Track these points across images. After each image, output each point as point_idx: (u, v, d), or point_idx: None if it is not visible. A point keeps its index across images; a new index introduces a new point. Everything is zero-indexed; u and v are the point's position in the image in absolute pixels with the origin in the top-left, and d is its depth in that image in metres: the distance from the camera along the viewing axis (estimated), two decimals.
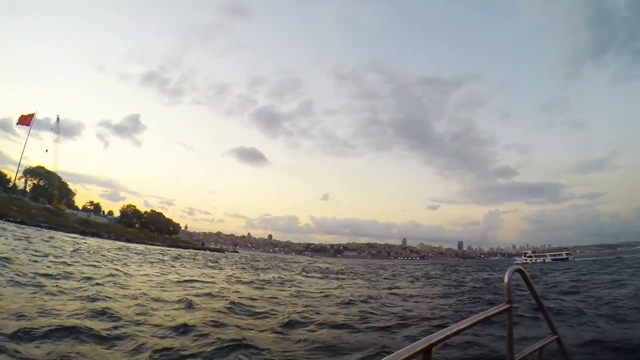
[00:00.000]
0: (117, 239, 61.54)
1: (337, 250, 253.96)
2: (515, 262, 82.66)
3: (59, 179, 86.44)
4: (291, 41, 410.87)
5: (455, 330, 1.01)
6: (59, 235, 39.02)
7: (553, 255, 79.50)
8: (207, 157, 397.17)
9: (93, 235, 55.95)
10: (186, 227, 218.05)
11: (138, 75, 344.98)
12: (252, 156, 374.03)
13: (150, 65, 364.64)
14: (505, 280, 1.40)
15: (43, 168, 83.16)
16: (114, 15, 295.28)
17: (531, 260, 77.78)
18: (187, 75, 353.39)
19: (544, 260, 75.74)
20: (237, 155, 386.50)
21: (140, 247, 48.45)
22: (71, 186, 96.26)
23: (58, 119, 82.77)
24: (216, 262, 34.15)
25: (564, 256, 75.60)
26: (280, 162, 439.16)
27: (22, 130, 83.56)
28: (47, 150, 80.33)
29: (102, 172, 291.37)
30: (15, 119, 79.85)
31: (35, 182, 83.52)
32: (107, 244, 40.45)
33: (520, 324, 6.44)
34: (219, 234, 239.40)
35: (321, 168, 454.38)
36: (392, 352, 0.82)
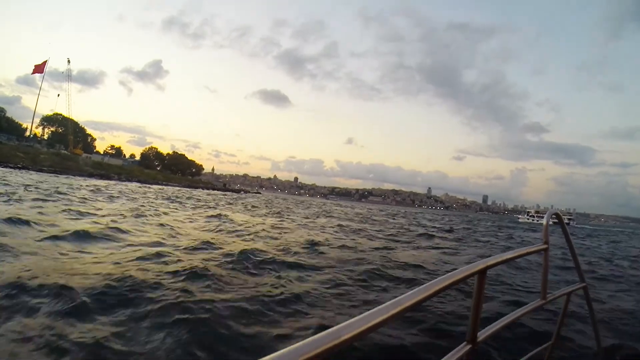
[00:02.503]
0: (129, 180, 61.69)
1: (361, 195, 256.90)
2: (518, 219, 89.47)
3: (75, 123, 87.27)
4: None
5: (505, 257, 1.11)
6: (52, 178, 38.47)
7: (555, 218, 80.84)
8: (231, 100, 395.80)
9: (101, 177, 56.28)
10: (213, 169, 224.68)
11: (158, 22, 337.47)
12: (276, 98, 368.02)
13: (170, 10, 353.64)
14: (544, 222, 1.49)
15: (60, 115, 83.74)
16: None
17: (533, 220, 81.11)
18: (208, 19, 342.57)
19: None
20: (261, 97, 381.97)
21: (152, 187, 48.18)
22: (98, 134, 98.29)
23: (69, 61, 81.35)
24: (230, 204, 32.02)
25: (566, 221, 74.29)
26: (305, 105, 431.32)
27: (45, 84, 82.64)
28: (59, 95, 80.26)
29: (128, 118, 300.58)
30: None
31: (54, 129, 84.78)
32: (103, 184, 39.81)
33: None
34: (245, 176, 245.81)
35: (346, 112, 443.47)
36: (452, 271, 0.85)
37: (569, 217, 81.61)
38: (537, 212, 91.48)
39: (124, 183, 52.53)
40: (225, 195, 64.26)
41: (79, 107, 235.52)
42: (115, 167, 72.65)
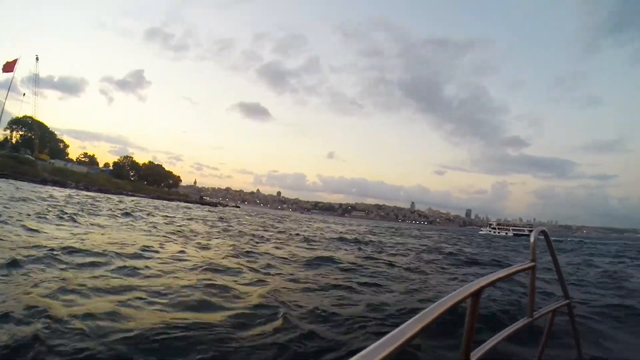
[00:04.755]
0: (87, 189, 60.02)
1: (345, 210, 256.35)
2: (480, 232, 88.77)
3: (45, 128, 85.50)
4: None
5: (496, 277, 1.12)
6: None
7: (516, 230, 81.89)
8: (213, 112, 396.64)
9: (55, 183, 54.62)
10: (195, 182, 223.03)
11: (140, 31, 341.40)
12: (255, 111, 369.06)
13: (152, 21, 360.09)
14: (532, 240, 1.48)
15: (30, 118, 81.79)
16: None
17: (494, 232, 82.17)
18: (191, 31, 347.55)
19: (506, 233, 79.16)
20: (241, 110, 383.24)
21: (110, 197, 46.58)
22: (79, 143, 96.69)
23: (37, 59, 79.77)
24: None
25: (526, 232, 76.08)
26: (287, 119, 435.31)
27: (26, 89, 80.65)
28: (24, 94, 77.35)
29: (109, 128, 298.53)
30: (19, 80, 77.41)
31: (22, 133, 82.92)
32: (47, 192, 38.40)
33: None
34: (227, 189, 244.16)
35: (327, 126, 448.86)
36: (445, 296, 0.88)
37: (529, 229, 79.77)
38: (498, 224, 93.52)
39: (77, 191, 50.94)
40: (189, 208, 62.84)
41: (59, 115, 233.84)
42: (78, 174, 70.56)
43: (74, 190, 53.28)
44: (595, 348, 4.17)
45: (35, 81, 78.63)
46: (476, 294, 0.96)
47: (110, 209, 24.11)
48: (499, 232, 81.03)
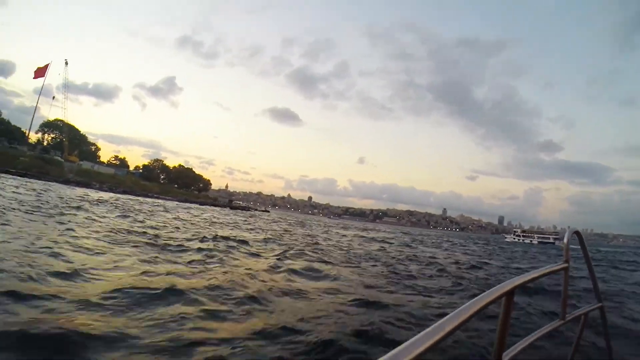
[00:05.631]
0: (112, 190, 57.79)
1: (376, 216, 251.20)
2: (505, 239, 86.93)
3: (76, 130, 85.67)
4: None
5: (530, 277, 1.12)
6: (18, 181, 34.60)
7: (541, 237, 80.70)
8: (244, 118, 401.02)
9: (78, 184, 52.46)
10: (226, 186, 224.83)
11: (172, 39, 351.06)
12: (285, 116, 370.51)
13: (183, 29, 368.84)
14: (565, 240, 1.46)
15: (61, 121, 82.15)
16: None
17: (519, 239, 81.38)
18: (220, 38, 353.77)
19: (531, 241, 77.76)
20: (271, 115, 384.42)
21: (128, 198, 43.91)
22: (114, 147, 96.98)
23: (66, 63, 79.45)
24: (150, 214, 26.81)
25: (551, 240, 76.42)
26: (317, 124, 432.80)
27: (61, 95, 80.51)
28: (53, 97, 77.36)
29: (143, 133, 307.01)
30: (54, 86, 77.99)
31: (54, 136, 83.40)
32: (64, 191, 35.53)
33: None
34: (259, 194, 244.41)
35: (357, 130, 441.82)
36: (478, 295, 0.88)
37: (554, 237, 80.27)
38: (523, 232, 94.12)
39: (100, 192, 48.89)
40: (213, 210, 59.07)
41: (95, 120, 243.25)
42: (104, 176, 69.09)
43: (97, 190, 51.28)
44: (626, 352, 4.18)
45: (65, 85, 78.42)
46: (510, 293, 0.96)
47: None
48: (524, 240, 79.98)
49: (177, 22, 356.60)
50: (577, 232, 1.57)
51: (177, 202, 61.96)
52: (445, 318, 0.70)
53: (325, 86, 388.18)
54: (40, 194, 24.78)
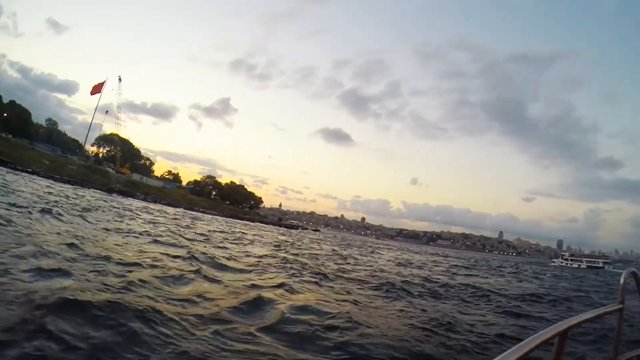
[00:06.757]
0: (155, 201, 54.68)
1: (430, 238, 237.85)
2: (552, 263, 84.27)
3: (130, 145, 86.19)
4: (370, 20, 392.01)
5: (584, 318, 1.10)
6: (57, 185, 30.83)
7: (589, 261, 79.54)
8: (297, 138, 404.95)
9: (120, 193, 49.51)
10: (280, 205, 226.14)
11: (227, 62, 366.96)
12: (338, 137, 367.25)
13: (238, 53, 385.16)
14: (621, 281, 1.44)
15: (116, 135, 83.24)
16: (198, 7, 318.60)
17: (567, 263, 79.33)
18: (273, 61, 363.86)
19: (579, 265, 76.38)
20: (323, 136, 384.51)
21: (172, 209, 39.69)
22: (171, 164, 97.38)
23: (120, 79, 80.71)
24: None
25: (600, 264, 75.41)
26: (369, 144, 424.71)
27: (124, 115, 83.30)
28: (107, 112, 78.62)
29: (199, 151, 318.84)
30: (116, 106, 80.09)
31: (109, 149, 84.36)
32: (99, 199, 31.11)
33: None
34: (312, 213, 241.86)
35: (411, 151, 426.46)
36: (530, 335, 0.87)
37: (604, 261, 79.39)
38: (571, 255, 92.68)
39: (144, 202, 45.84)
40: (263, 228, 53.14)
41: (154, 138, 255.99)
42: (150, 187, 67.55)
43: (140, 200, 48.23)
44: None
45: (118, 100, 79.46)
46: (564, 334, 0.95)
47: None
48: (571, 264, 77.92)
49: (233, 46, 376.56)
50: (633, 273, 1.47)
51: (225, 218, 57.82)
52: (498, 358, 0.64)
53: (377, 106, 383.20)
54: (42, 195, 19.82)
